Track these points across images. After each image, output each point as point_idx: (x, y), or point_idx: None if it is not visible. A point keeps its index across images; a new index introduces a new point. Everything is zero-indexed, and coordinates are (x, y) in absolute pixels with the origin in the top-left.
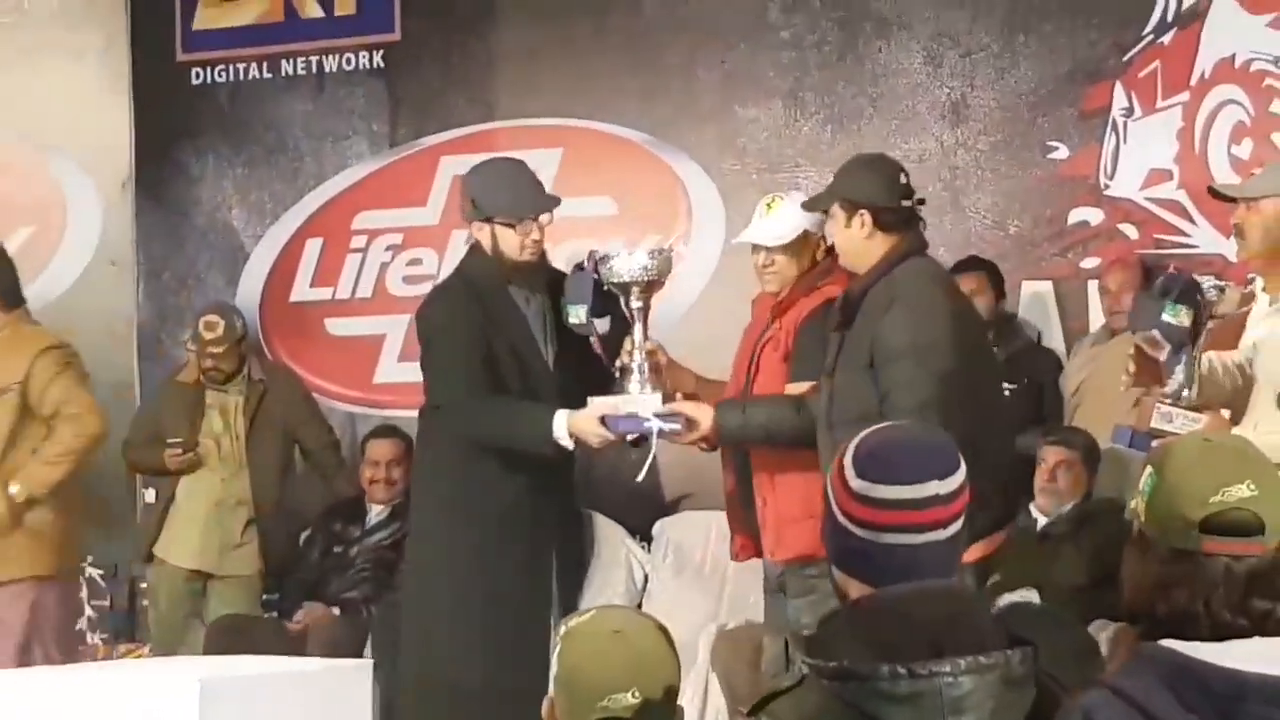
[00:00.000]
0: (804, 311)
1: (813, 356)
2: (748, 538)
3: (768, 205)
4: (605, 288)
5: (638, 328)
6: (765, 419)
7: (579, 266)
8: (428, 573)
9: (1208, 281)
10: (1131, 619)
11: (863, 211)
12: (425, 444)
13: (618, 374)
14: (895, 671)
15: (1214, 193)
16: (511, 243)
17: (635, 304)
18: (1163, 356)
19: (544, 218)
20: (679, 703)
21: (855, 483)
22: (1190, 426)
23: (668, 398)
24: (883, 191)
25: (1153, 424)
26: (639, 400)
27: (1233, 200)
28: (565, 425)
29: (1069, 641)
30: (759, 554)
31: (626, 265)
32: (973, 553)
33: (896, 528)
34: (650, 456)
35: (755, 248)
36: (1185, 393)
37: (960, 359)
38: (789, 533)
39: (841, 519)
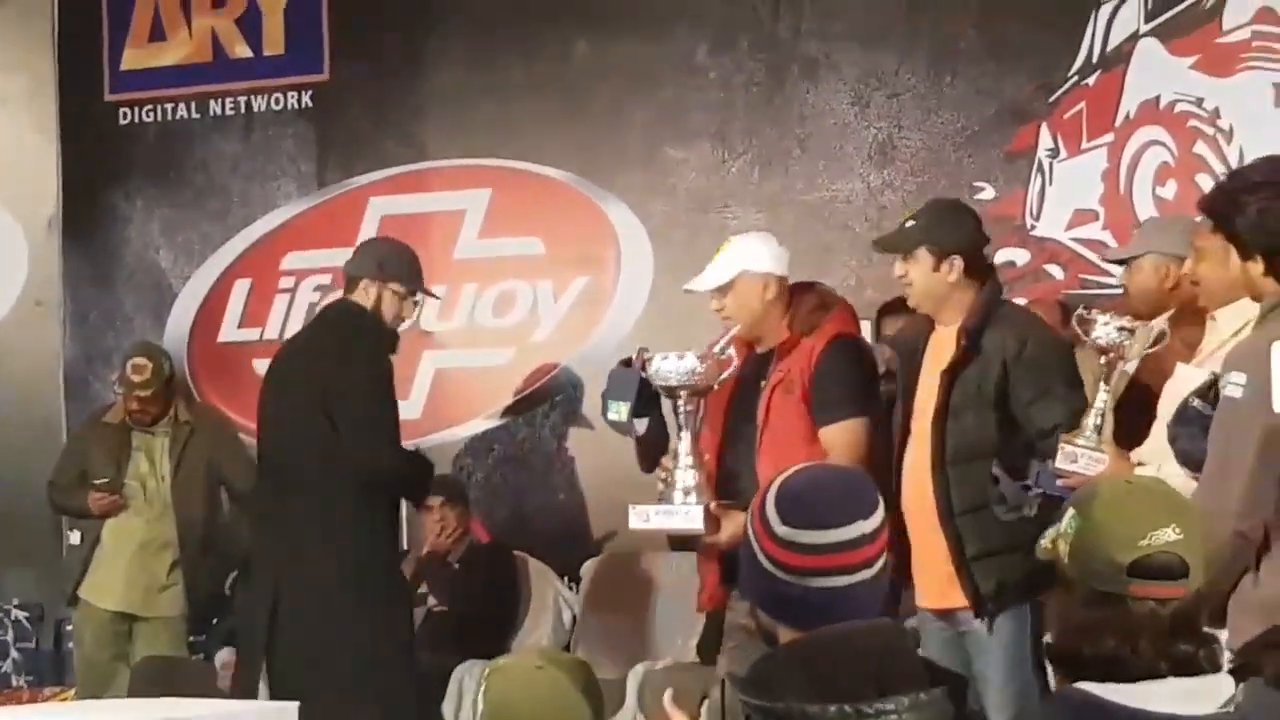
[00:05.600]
0: (815, 351)
1: (833, 394)
2: (720, 588)
3: (717, 251)
4: (654, 390)
5: (686, 435)
6: None
7: (625, 362)
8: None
9: (1116, 322)
10: (1057, 660)
11: (954, 257)
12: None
13: (662, 483)
14: (843, 711)
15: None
16: (393, 309)
17: (685, 408)
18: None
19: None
20: None
21: (780, 529)
22: (1095, 467)
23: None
24: (973, 238)
25: (1058, 463)
26: (685, 512)
27: (1124, 262)
28: None
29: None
30: (725, 604)
31: (674, 368)
32: None
33: (826, 571)
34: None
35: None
36: (1096, 434)
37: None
38: None
39: (767, 565)
